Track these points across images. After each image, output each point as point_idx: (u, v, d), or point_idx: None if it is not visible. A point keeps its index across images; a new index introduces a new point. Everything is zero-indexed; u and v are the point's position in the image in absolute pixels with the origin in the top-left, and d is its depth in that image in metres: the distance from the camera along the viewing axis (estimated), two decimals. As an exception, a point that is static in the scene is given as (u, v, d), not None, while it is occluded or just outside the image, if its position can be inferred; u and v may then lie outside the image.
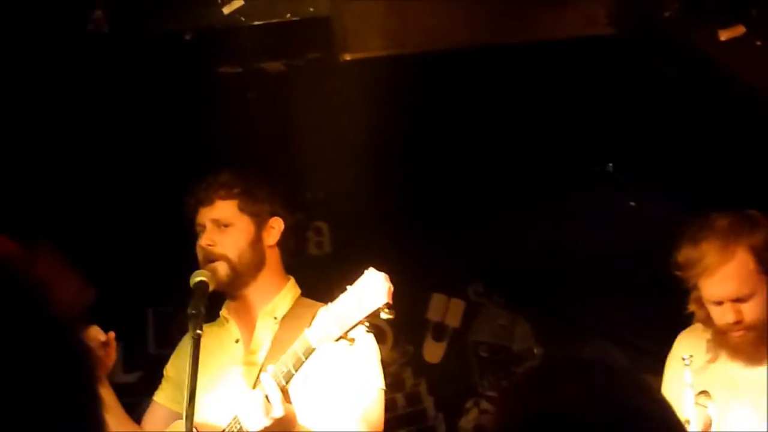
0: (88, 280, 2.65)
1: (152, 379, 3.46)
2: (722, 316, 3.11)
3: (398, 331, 4.66)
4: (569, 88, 4.27)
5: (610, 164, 4.63)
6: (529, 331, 4.82)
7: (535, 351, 4.80)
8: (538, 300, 4.73)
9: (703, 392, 3.17)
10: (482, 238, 4.63)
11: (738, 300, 3.08)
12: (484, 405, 4.78)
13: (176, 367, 3.33)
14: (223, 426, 3.03)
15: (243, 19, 3.84)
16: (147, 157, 4.45)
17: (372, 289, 2.79)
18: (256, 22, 3.87)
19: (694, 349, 3.26)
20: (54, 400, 1.10)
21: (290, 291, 3.30)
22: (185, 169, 3.72)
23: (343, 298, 2.84)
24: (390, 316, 2.80)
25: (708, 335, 3.27)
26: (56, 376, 1.11)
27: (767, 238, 3.10)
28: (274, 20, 3.87)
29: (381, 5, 3.93)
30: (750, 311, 3.08)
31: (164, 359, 3.43)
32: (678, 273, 3.16)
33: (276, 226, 3.29)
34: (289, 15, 3.86)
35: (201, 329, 2.99)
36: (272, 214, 3.29)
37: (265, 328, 3.24)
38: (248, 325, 3.27)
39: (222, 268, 3.19)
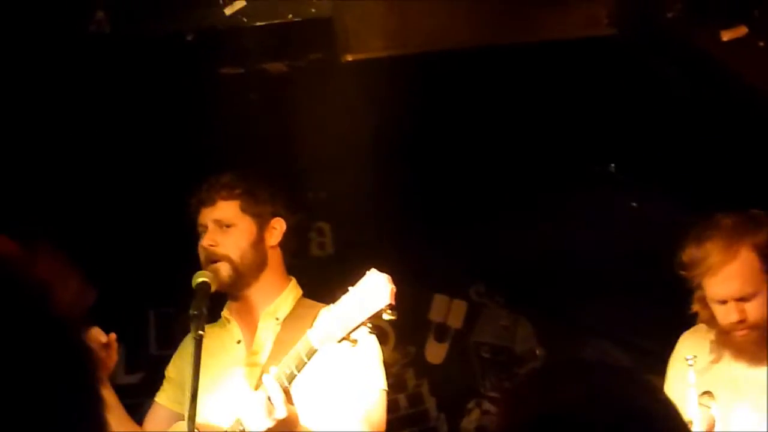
0: (89, 281, 2.64)
1: (154, 380, 3.45)
2: (726, 315, 3.11)
3: (400, 332, 4.66)
4: (570, 89, 4.27)
5: (612, 165, 4.62)
6: (531, 332, 4.82)
7: (537, 352, 4.80)
8: (539, 300, 4.73)
9: (707, 393, 3.18)
10: (484, 238, 4.63)
11: (742, 299, 3.08)
12: (486, 406, 4.78)
13: (178, 368, 3.32)
14: (225, 427, 3.03)
15: (245, 19, 3.84)
16: (149, 158, 4.45)
17: (374, 290, 2.78)
18: (258, 23, 3.87)
19: (698, 349, 3.26)
20: (56, 401, 1.10)
21: (292, 292, 3.30)
22: (187, 170, 3.72)
23: (345, 299, 2.83)
24: (392, 317, 2.80)
25: (711, 336, 3.27)
26: (58, 377, 1.11)
27: (771, 238, 3.11)
28: (276, 21, 3.87)
29: (382, 6, 3.93)
30: (754, 310, 3.09)
31: (166, 360, 3.43)
32: (682, 272, 3.17)
33: (278, 227, 3.28)
34: (290, 16, 3.86)
35: (203, 330, 2.99)
36: (274, 215, 3.28)
37: (267, 329, 3.23)
38: (250, 326, 3.27)
39: (224, 269, 3.19)
